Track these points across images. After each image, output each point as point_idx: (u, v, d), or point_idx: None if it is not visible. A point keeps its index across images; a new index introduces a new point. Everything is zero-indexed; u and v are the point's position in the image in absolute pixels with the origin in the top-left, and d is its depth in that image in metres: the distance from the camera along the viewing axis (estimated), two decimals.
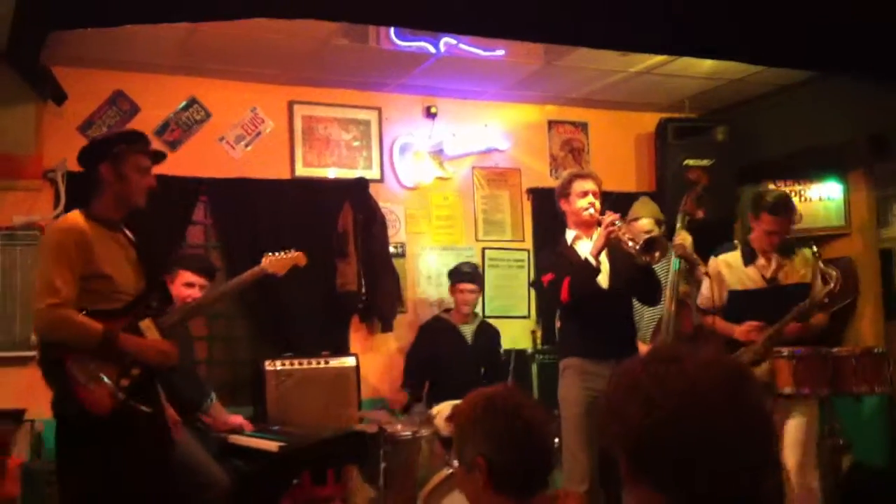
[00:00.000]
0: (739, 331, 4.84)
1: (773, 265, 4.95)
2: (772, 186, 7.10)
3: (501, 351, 6.28)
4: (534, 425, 2.27)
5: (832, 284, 4.73)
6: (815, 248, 5.04)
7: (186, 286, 4.92)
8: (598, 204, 4.70)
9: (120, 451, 3.48)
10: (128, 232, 3.84)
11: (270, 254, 4.37)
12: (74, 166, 4.07)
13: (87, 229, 3.60)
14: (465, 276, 6.12)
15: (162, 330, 3.74)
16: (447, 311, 6.25)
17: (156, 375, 3.75)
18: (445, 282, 6.37)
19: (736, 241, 5.17)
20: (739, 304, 4.93)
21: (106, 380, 3.46)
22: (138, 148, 3.78)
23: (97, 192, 3.74)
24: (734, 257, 5.02)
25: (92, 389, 3.46)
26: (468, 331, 6.12)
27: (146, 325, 3.69)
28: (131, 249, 3.80)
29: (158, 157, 3.90)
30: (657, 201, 6.76)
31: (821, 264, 4.94)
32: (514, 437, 2.28)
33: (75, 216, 3.68)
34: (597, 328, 4.58)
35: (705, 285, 5.02)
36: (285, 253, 4.41)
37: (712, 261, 5.06)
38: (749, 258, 4.98)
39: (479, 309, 6.43)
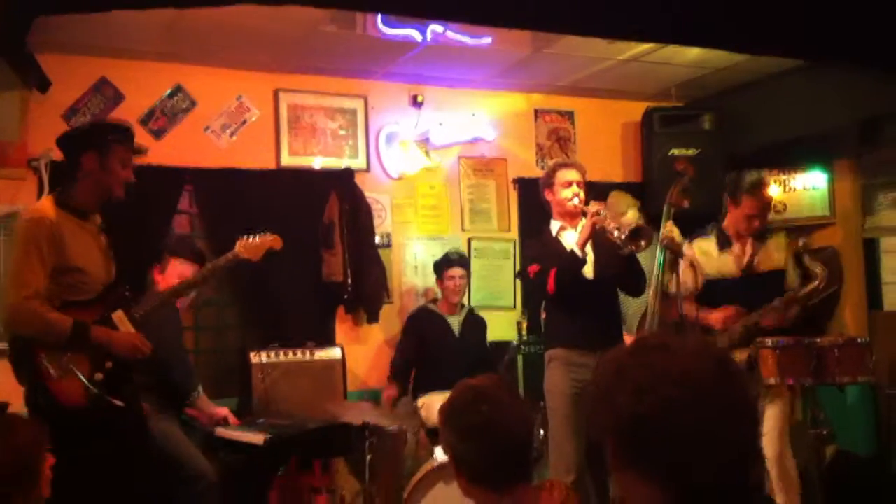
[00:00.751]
0: (715, 318, 4.82)
1: (749, 252, 4.92)
2: (755, 173, 7.12)
3: (487, 343, 6.29)
4: (493, 420, 2.27)
5: (817, 283, 4.72)
6: (802, 242, 5.04)
7: (180, 274, 4.87)
8: (582, 194, 4.70)
9: (95, 445, 3.47)
10: (98, 218, 3.81)
11: (244, 237, 4.24)
12: (60, 155, 4.03)
13: (58, 219, 3.56)
14: (454, 261, 6.13)
15: (135, 320, 3.71)
16: (434, 301, 6.25)
17: (133, 367, 3.71)
18: (432, 272, 6.35)
19: (710, 227, 5.11)
20: (715, 292, 4.91)
21: (79, 374, 3.43)
22: (125, 141, 3.76)
23: (76, 179, 3.71)
24: (710, 244, 4.98)
25: (65, 383, 3.44)
26: (455, 322, 6.12)
27: (119, 316, 3.67)
28: (102, 237, 3.77)
29: (139, 151, 3.88)
30: (643, 190, 6.78)
31: (806, 260, 4.91)
32: (472, 432, 2.30)
33: (45, 205, 3.64)
34: (582, 319, 4.59)
35: (682, 272, 4.98)
36: (259, 236, 4.25)
37: (688, 247, 5.01)
38: (723, 244, 4.95)
39: (465, 300, 6.44)
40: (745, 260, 4.91)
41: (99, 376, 3.51)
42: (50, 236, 3.51)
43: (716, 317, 4.81)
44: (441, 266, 6.18)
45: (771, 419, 4.63)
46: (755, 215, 4.88)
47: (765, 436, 4.56)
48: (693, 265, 4.93)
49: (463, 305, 6.27)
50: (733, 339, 4.67)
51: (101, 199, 3.73)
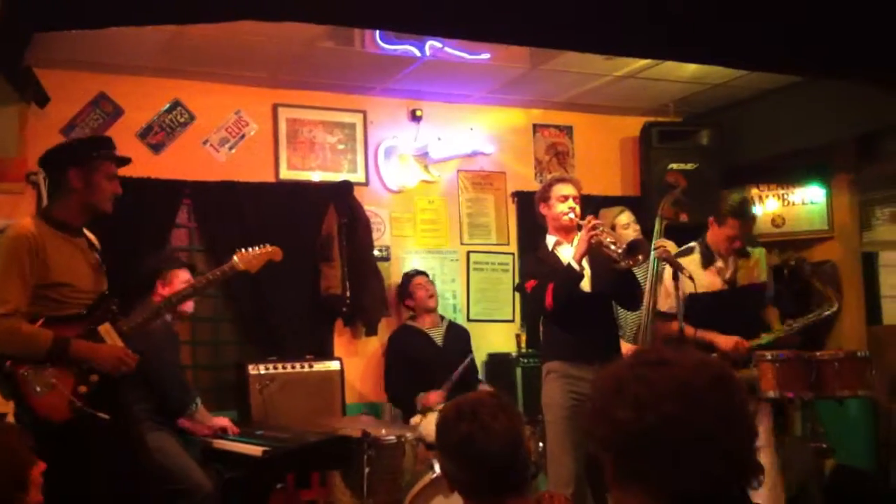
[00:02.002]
0: (725, 341, 4.81)
1: (731, 267, 4.96)
2: (755, 191, 7.15)
3: (471, 353, 6.25)
4: (472, 438, 2.27)
5: (836, 307, 4.97)
6: (806, 265, 5.11)
7: (184, 281, 4.82)
8: (578, 209, 4.70)
9: (79, 458, 3.43)
10: (90, 235, 3.79)
11: (242, 250, 4.19)
12: None
13: (42, 236, 3.53)
14: (413, 274, 6.21)
15: (123, 333, 3.68)
16: (412, 318, 6.23)
17: (121, 381, 3.67)
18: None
19: (693, 244, 5.11)
20: (698, 306, 4.84)
21: (61, 388, 3.42)
22: (108, 155, 3.73)
23: (60, 196, 3.69)
24: (693, 261, 4.96)
25: (48, 398, 3.42)
26: (437, 334, 6.10)
27: (105, 329, 3.63)
28: (92, 253, 3.74)
29: (123, 162, 3.82)
30: (642, 205, 6.78)
31: (817, 284, 4.99)
32: (452, 450, 2.33)
33: (27, 223, 3.60)
34: (580, 332, 4.57)
35: (667, 290, 4.95)
36: (259, 248, 4.20)
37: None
38: (707, 261, 4.98)
39: (454, 313, 6.46)
40: (728, 274, 4.94)
41: (83, 389, 3.48)
42: (32, 252, 3.47)
43: (726, 341, 4.81)
44: (404, 285, 6.23)
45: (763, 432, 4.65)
46: (737, 236, 4.93)
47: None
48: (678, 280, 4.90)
49: (442, 317, 6.26)
50: (738, 359, 4.67)
51: (88, 215, 3.71)
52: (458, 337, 6.22)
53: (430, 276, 6.32)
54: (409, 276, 6.24)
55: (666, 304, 4.96)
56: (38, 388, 3.41)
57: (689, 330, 4.80)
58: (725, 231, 4.92)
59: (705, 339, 4.84)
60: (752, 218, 5.06)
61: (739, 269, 4.98)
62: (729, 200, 5.01)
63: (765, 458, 4.59)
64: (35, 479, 2.79)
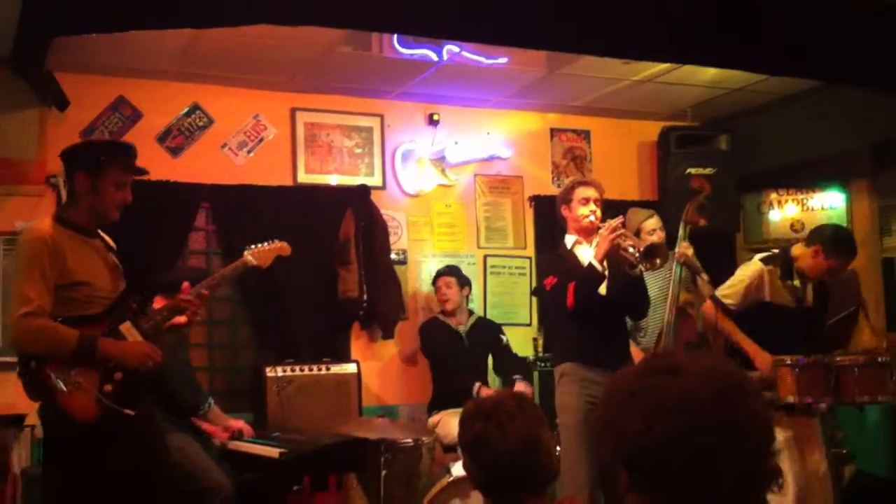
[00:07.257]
0: (763, 361, 4.69)
1: (806, 289, 4.90)
2: (774, 195, 7.10)
3: (505, 340, 6.25)
4: (485, 437, 2.29)
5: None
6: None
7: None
8: (599, 212, 4.69)
9: (106, 457, 3.44)
10: (106, 237, 3.78)
11: (253, 246, 4.19)
12: None
13: (59, 237, 3.52)
14: (443, 272, 6.21)
15: (143, 331, 3.66)
16: (443, 312, 6.25)
17: (143, 378, 3.65)
18: None
19: (775, 251, 5.03)
20: (768, 317, 4.83)
21: (88, 387, 3.43)
22: (121, 162, 3.66)
23: (71, 198, 3.67)
24: (775, 270, 4.90)
25: (75, 398, 3.42)
26: (463, 331, 6.12)
27: (126, 328, 3.61)
28: (108, 254, 3.73)
29: (140, 172, 3.74)
30: (659, 209, 6.76)
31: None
32: (467, 447, 2.37)
33: (45, 224, 3.58)
34: (595, 335, 4.55)
35: (738, 280, 4.90)
36: (268, 244, 4.20)
37: (759, 265, 4.91)
38: (786, 274, 4.89)
39: (471, 308, 6.45)
40: (800, 294, 4.87)
41: (108, 388, 3.48)
42: (50, 253, 3.46)
43: (764, 360, 4.70)
44: (433, 281, 6.26)
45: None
46: (837, 271, 4.88)
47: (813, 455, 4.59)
48: (758, 281, 4.85)
49: (471, 312, 6.28)
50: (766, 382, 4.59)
51: (96, 220, 3.67)
52: (486, 330, 6.23)
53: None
54: (438, 274, 6.25)
55: (724, 293, 4.89)
56: (65, 388, 3.42)
57: (730, 326, 4.79)
58: (831, 262, 4.79)
59: (743, 346, 4.78)
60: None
61: (807, 293, 4.91)
62: (846, 236, 4.96)
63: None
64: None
